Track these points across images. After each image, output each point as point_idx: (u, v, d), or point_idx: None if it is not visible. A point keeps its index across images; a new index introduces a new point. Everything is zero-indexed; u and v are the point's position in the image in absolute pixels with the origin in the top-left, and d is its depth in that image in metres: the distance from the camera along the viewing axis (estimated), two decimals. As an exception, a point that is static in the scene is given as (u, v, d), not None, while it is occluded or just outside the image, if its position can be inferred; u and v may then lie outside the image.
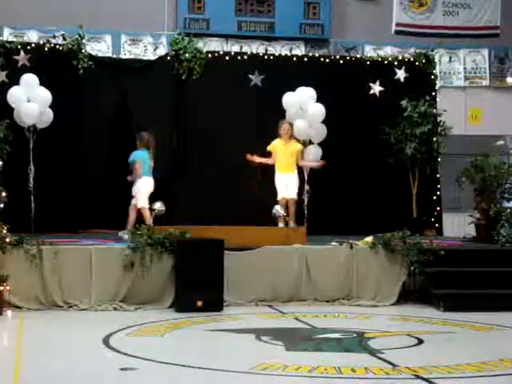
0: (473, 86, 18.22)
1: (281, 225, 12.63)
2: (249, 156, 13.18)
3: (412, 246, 11.25)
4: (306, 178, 13.74)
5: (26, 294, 10.35)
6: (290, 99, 13.77)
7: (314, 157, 13.82)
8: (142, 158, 12.58)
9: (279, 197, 13.15)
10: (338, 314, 10.43)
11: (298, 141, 13.50)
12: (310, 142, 13.97)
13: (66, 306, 10.42)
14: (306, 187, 13.71)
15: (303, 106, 13.61)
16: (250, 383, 6.79)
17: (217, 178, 14.39)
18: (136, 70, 14.78)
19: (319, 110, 13.76)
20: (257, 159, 13.24)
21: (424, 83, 15.50)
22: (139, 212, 12.45)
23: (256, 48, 16.88)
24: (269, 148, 13.28)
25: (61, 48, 14.12)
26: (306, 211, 13.70)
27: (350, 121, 14.96)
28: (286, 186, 13.14)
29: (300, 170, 13.53)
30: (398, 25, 17.05)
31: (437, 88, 15.88)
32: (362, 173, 14.87)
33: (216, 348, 8.31)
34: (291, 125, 13.36)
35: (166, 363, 7.35)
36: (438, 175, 15.37)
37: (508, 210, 12.56)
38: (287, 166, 13.19)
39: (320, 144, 14.00)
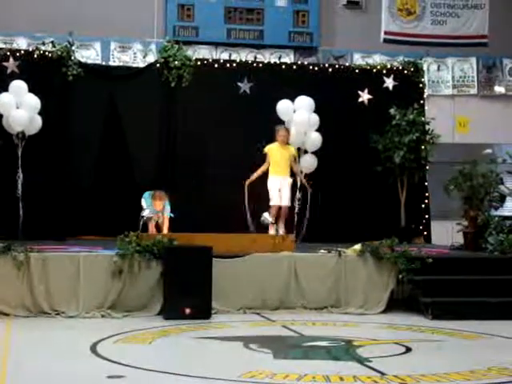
0: (461, 94, 18.30)
1: (272, 232, 12.63)
2: (247, 181, 13.31)
3: (400, 254, 11.25)
4: (298, 185, 13.76)
5: (14, 301, 10.28)
6: (284, 106, 13.89)
7: (307, 165, 13.91)
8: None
9: (272, 202, 13.24)
10: (327, 321, 10.42)
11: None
12: (305, 152, 14.05)
13: (54, 314, 10.37)
14: (298, 195, 13.72)
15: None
16: (238, 391, 6.79)
17: (205, 185, 14.39)
18: (125, 77, 14.76)
19: (313, 119, 13.92)
20: (254, 176, 13.35)
21: (412, 91, 15.51)
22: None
23: (245, 56, 16.91)
24: (265, 150, 13.50)
25: (50, 55, 14.03)
26: (296, 218, 13.71)
27: (339, 129, 14.92)
28: (280, 191, 13.24)
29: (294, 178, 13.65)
30: (386, 33, 17.14)
31: (425, 96, 15.90)
32: (350, 181, 14.83)
33: (204, 356, 8.28)
34: (288, 131, 13.61)
35: (154, 371, 7.32)
36: (426, 183, 15.36)
37: (496, 218, 12.61)
38: (282, 170, 13.41)
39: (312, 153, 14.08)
